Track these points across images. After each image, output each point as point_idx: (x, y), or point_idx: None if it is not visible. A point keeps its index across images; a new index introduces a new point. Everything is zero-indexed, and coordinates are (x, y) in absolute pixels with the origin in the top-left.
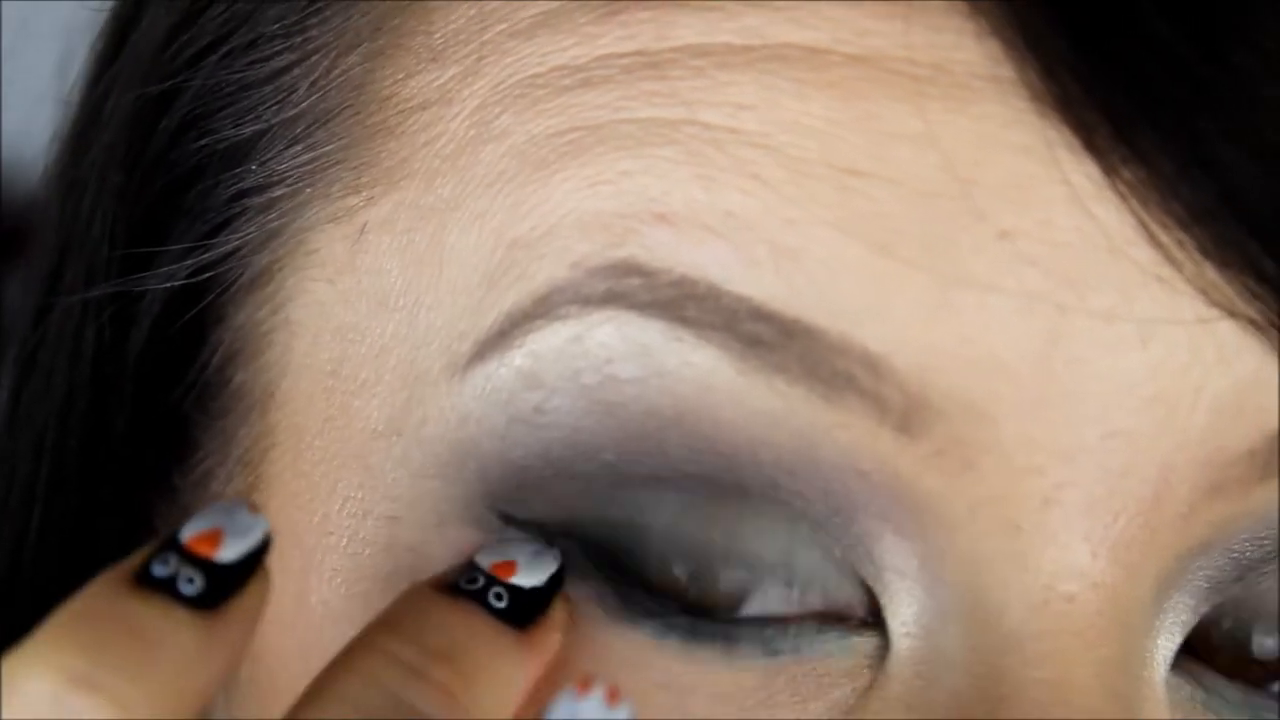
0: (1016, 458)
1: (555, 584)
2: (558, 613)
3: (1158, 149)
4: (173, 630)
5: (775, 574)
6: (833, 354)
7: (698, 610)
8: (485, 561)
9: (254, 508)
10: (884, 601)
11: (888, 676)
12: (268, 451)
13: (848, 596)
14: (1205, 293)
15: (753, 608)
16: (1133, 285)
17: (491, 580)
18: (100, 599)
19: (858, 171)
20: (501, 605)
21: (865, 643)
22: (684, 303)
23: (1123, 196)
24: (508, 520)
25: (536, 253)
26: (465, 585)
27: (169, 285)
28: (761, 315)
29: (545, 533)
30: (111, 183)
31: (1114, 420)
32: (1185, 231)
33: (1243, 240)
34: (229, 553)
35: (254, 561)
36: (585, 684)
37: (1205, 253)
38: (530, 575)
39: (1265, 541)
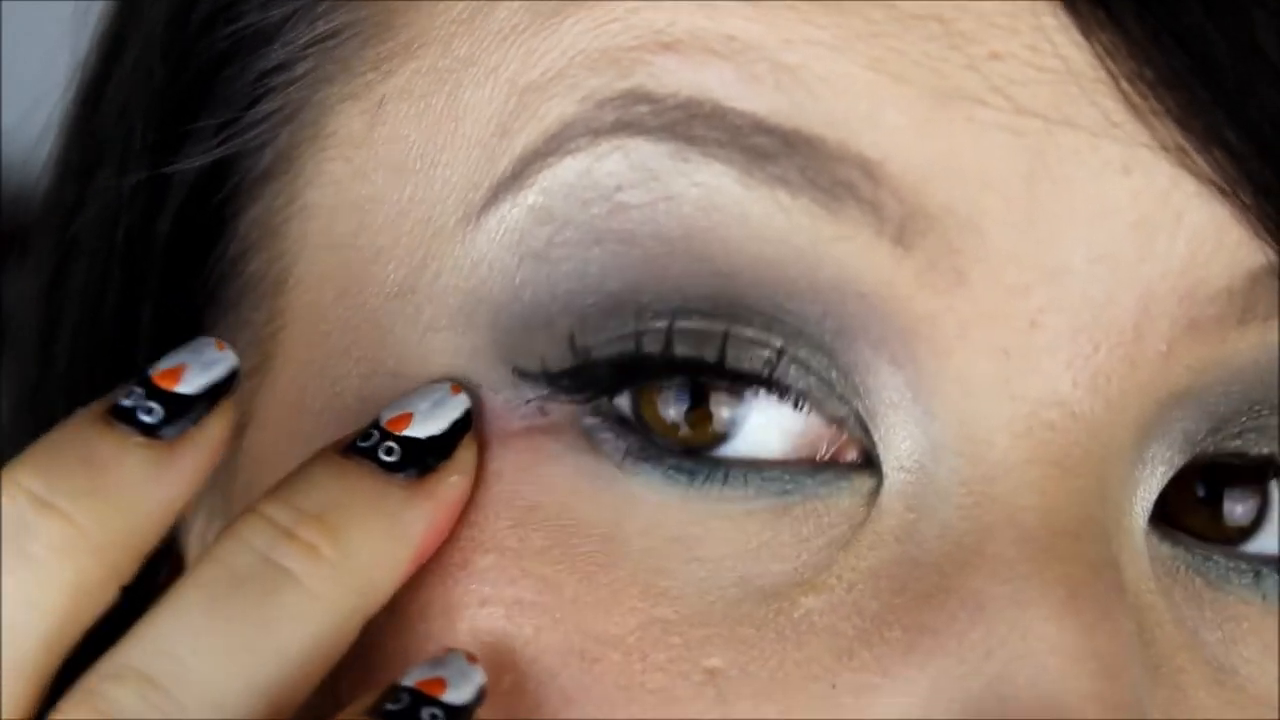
0: (1005, 274)
1: (460, 428)
2: (461, 455)
3: (1135, 14)
4: (124, 457)
5: (768, 391)
6: (832, 162)
7: (694, 450)
8: (383, 417)
9: (221, 345)
10: (878, 436)
11: (881, 511)
12: (278, 333)
13: (840, 415)
14: (1171, 154)
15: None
16: (1115, 114)
17: (385, 435)
18: (70, 430)
19: None
20: (392, 459)
21: (862, 482)
22: (690, 123)
23: (1099, 58)
24: (521, 375)
25: (548, 94)
26: (360, 444)
27: (195, 165)
28: (764, 128)
29: (554, 385)
30: (143, 75)
31: (1098, 244)
32: (1156, 98)
33: (1209, 108)
34: (189, 386)
35: (215, 394)
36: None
37: (1172, 115)
38: (427, 425)
39: (1235, 394)
